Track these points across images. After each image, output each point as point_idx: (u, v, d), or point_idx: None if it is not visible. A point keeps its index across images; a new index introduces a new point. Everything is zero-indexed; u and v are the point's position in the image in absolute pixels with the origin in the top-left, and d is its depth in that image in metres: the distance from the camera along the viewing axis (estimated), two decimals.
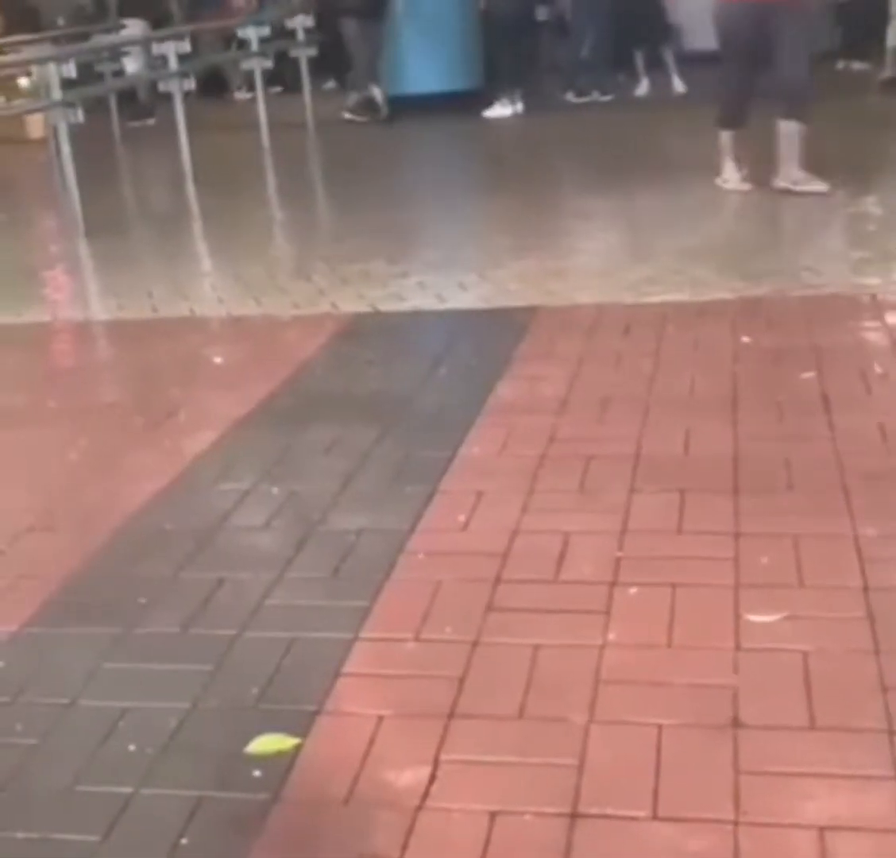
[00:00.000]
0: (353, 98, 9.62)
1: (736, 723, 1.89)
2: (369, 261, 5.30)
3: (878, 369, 3.48)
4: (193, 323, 4.55)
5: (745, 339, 3.79)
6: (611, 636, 2.16)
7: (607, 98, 9.64)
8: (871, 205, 5.80)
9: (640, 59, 9.82)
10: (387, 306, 4.55)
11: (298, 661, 2.16)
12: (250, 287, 4.95)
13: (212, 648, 2.22)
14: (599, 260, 5.17)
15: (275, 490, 2.91)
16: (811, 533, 2.48)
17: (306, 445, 3.19)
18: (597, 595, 2.30)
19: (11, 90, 8.51)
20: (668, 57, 9.75)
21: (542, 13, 10.03)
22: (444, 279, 4.84)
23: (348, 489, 2.89)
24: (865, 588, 2.25)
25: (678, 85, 9.67)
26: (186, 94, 7.62)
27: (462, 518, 2.67)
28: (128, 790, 1.84)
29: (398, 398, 3.53)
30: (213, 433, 3.30)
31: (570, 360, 3.72)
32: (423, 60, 9.39)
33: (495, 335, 4.11)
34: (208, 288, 5.15)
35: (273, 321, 4.48)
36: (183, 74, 7.59)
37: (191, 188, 7.31)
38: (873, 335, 3.80)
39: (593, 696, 1.99)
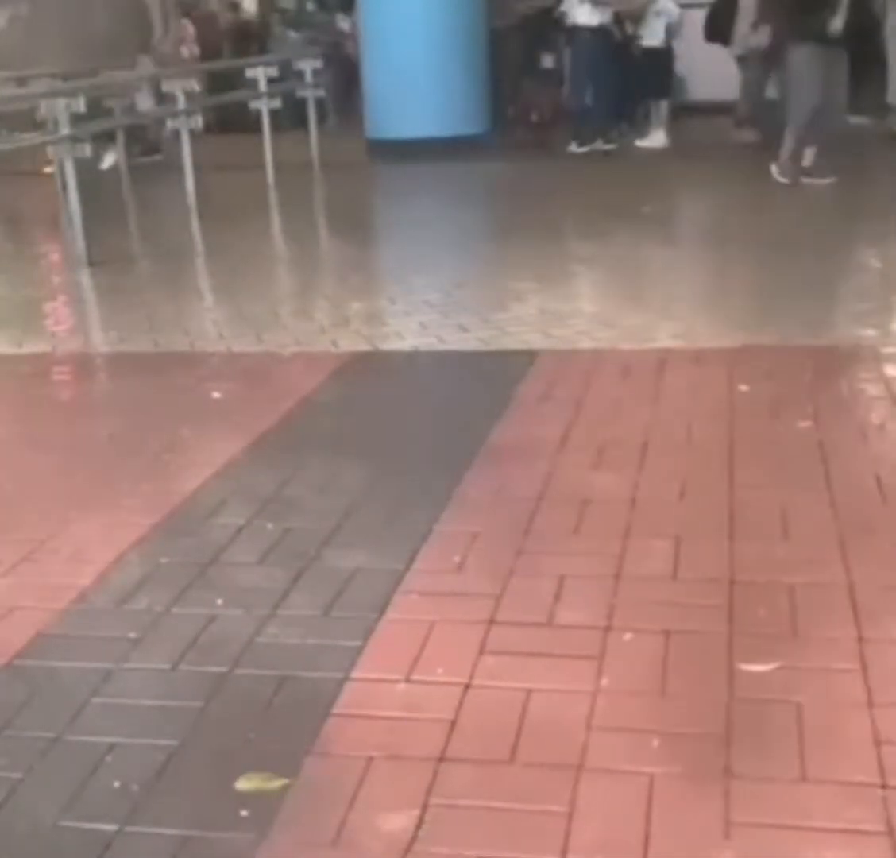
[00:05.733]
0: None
1: (728, 773, 1.88)
2: (371, 300, 5.34)
3: (875, 421, 3.49)
4: (194, 358, 4.56)
5: (743, 387, 3.80)
6: (604, 682, 2.15)
7: (610, 147, 9.73)
8: (871, 257, 5.85)
9: (653, 110, 9.90)
10: (387, 345, 4.57)
11: (289, 700, 2.15)
12: (252, 323, 4.97)
13: (202, 685, 2.20)
14: (600, 306, 5.20)
15: (270, 526, 2.90)
16: (806, 583, 2.48)
17: (303, 482, 3.19)
18: (591, 640, 2.29)
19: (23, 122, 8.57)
20: (664, 109, 9.85)
21: (547, 61, 10.15)
22: (445, 320, 4.86)
23: (344, 527, 2.88)
24: (860, 639, 2.24)
25: (658, 138, 9.77)
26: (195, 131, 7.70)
27: (457, 559, 2.67)
28: (112, 827, 1.82)
29: (396, 438, 3.53)
30: (210, 468, 3.30)
31: (569, 404, 3.73)
32: (420, 104, 9.45)
33: (494, 377, 4.12)
34: (210, 323, 5.16)
35: (273, 358, 4.49)
36: (189, 113, 7.67)
37: (195, 224, 7.36)
38: (871, 387, 3.81)
39: (585, 742, 1.97)
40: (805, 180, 7.63)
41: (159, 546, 2.83)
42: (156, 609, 2.50)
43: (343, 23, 12.25)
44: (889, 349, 4.21)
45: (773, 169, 7.70)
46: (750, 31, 9.08)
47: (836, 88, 7.43)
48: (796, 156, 7.65)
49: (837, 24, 7.19)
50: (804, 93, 7.45)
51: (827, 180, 7.54)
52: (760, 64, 9.04)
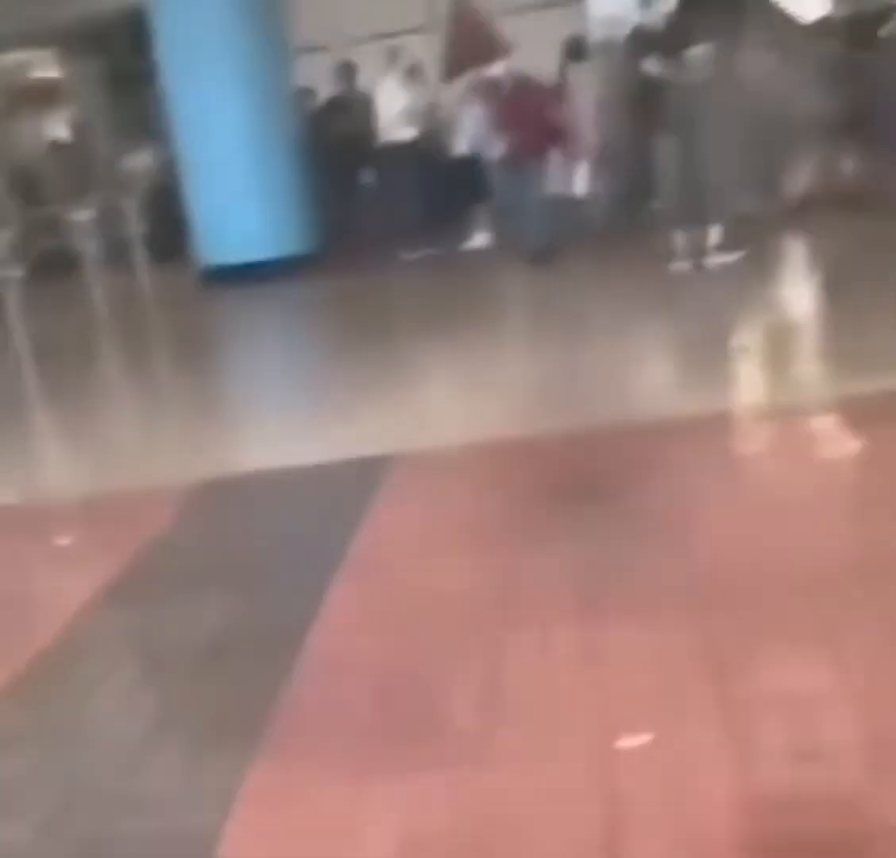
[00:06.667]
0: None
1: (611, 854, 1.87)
2: (218, 426, 5.29)
3: (714, 489, 3.57)
4: (37, 505, 4.42)
5: (600, 467, 3.87)
6: (487, 779, 2.12)
7: (438, 251, 9.95)
8: (695, 332, 6.08)
9: (474, 215, 10.20)
10: (239, 468, 4.52)
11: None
12: (97, 463, 4.87)
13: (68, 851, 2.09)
14: (448, 404, 5.28)
15: (126, 675, 2.80)
16: (674, 648, 2.51)
17: (158, 624, 3.10)
18: (470, 741, 2.26)
19: None
20: (483, 211, 10.17)
21: (367, 176, 10.40)
22: (295, 438, 4.85)
23: (204, 670, 2.80)
24: (728, 699, 2.27)
25: (481, 239, 10.06)
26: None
27: (327, 678, 2.62)
28: None
29: (251, 566, 3.45)
30: (59, 619, 3.18)
31: (427, 504, 3.74)
32: (247, 228, 9.53)
33: (351, 488, 4.10)
34: (52, 467, 5.04)
35: (120, 497, 4.38)
36: (8, 260, 7.59)
37: (29, 368, 7.23)
38: (706, 456, 3.92)
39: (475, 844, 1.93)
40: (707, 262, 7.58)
41: (9, 709, 2.70)
42: (15, 775, 2.38)
43: (133, 161, 12.37)
44: (737, 420, 4.34)
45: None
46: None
47: None
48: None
49: None
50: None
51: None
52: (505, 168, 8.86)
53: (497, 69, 8.83)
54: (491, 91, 9.04)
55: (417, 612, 2.93)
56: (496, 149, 8.88)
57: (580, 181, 9.73)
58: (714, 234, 7.53)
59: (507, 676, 2.52)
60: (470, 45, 9.66)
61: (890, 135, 9.28)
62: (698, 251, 7.49)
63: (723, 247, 7.48)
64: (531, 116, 8.51)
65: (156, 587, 3.38)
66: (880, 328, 5.20)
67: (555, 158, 8.87)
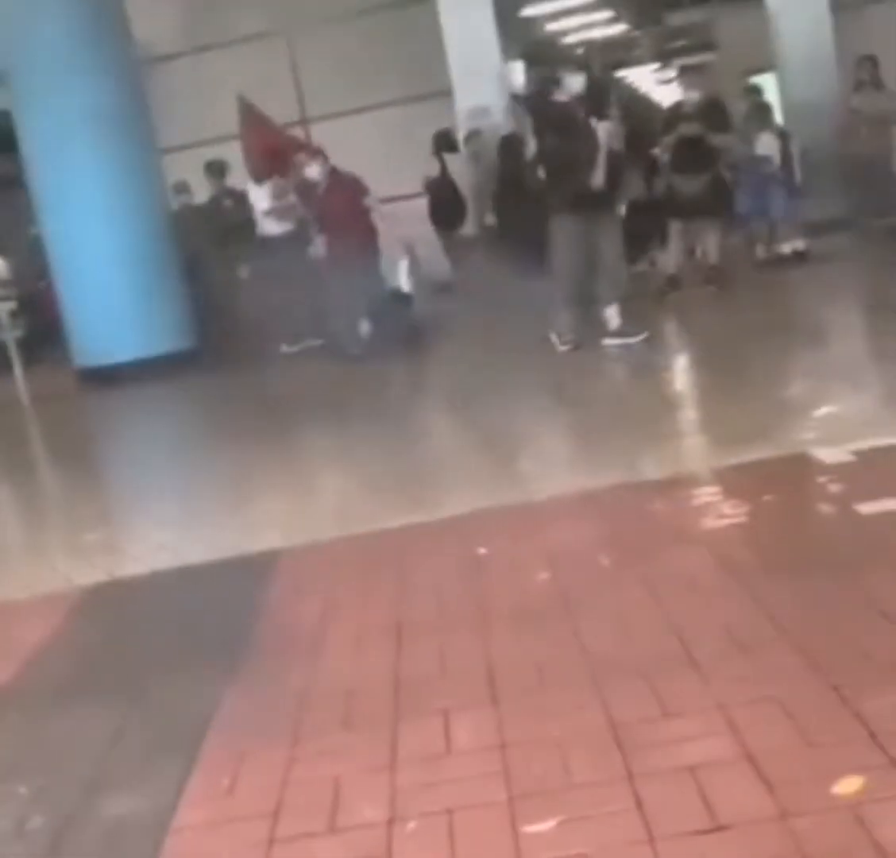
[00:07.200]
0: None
1: None
2: (102, 528, 5.18)
3: (596, 567, 3.61)
4: None
5: (482, 550, 3.90)
6: None
7: (320, 342, 9.99)
8: (575, 411, 6.21)
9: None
10: (124, 572, 4.42)
11: None
12: None
13: None
14: (335, 496, 5.26)
15: (16, 790, 2.70)
16: (572, 731, 2.52)
17: (48, 734, 2.99)
18: (375, 837, 2.23)
19: None
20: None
21: (243, 272, 10.41)
22: (182, 536, 4.77)
23: (103, 775, 2.71)
24: (630, 777, 2.29)
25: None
26: None
27: (226, 783, 2.56)
28: None
29: (144, 671, 3.35)
30: None
31: (318, 599, 3.71)
32: (124, 328, 9.43)
33: (240, 585, 4.05)
34: None
35: (5, 605, 4.25)
36: None
37: None
38: (594, 534, 3.98)
39: None
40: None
41: None
42: None
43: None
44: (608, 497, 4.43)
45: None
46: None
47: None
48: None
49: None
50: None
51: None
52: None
53: (312, 170, 8.96)
54: (306, 192, 9.17)
55: (314, 708, 2.89)
56: (319, 248, 8.96)
57: (404, 275, 9.95)
58: (613, 317, 7.61)
59: (407, 767, 2.50)
60: (264, 149, 9.88)
61: (744, 211, 9.77)
62: (594, 332, 7.57)
63: (623, 331, 7.55)
64: (346, 214, 8.63)
65: (45, 696, 3.27)
66: (751, 401, 5.40)
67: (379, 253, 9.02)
